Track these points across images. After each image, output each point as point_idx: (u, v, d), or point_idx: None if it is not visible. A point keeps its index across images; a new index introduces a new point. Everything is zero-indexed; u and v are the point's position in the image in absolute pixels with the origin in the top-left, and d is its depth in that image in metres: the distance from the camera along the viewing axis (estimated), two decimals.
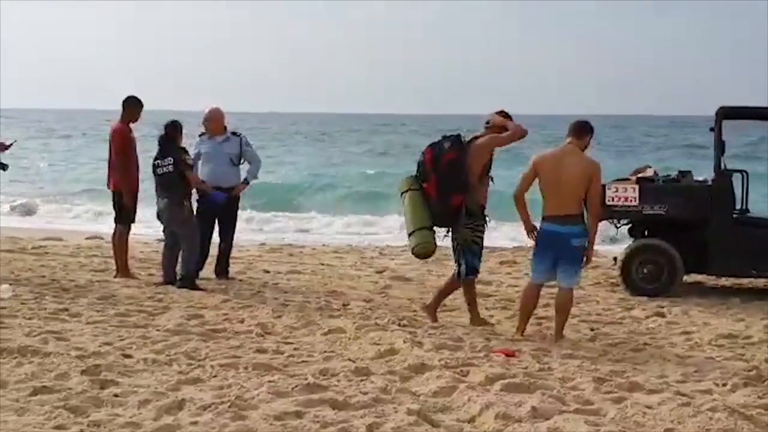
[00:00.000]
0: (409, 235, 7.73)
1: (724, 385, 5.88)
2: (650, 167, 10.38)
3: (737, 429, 4.81)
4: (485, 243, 7.93)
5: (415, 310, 8.50)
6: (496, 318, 8.37)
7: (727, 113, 9.75)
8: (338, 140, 56.91)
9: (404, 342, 6.80)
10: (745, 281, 10.51)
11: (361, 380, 5.73)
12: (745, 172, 10.44)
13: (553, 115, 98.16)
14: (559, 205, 7.13)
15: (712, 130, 9.79)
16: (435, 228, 7.68)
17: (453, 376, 5.80)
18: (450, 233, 7.82)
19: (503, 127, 7.61)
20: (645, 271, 9.79)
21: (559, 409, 5.11)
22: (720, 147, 9.73)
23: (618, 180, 10.07)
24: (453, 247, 7.90)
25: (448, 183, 7.49)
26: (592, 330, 7.84)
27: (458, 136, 7.67)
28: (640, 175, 10.07)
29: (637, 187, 9.79)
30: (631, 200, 9.74)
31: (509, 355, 6.62)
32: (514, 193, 7.33)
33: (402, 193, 7.78)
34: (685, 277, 9.97)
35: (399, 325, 7.62)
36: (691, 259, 9.72)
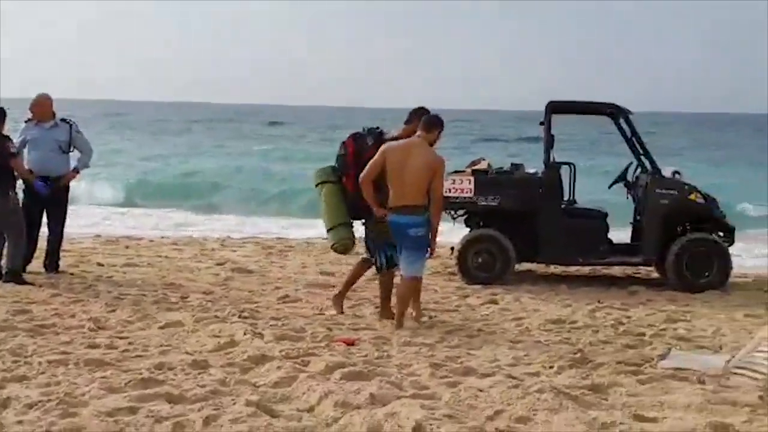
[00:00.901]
0: (329, 230, 7.80)
1: (551, 367, 6.15)
2: (484, 160, 10.68)
3: (562, 408, 5.05)
4: None
5: (256, 302, 8.47)
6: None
7: (555, 107, 10.16)
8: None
9: (244, 334, 6.79)
10: (572, 269, 11.00)
11: (199, 373, 5.69)
12: (573, 164, 10.89)
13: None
14: (401, 195, 7.28)
15: (542, 124, 10.16)
16: (352, 222, 7.82)
17: (293, 366, 5.83)
18: (365, 226, 7.87)
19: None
20: (480, 260, 10.09)
21: (396, 394, 5.22)
22: (549, 141, 10.11)
23: (455, 172, 10.32)
24: (367, 240, 7.92)
25: None
26: (430, 318, 8.02)
27: (381, 132, 7.76)
28: (475, 168, 10.37)
29: (472, 179, 10.08)
30: (466, 192, 10.02)
31: (349, 344, 6.71)
32: (361, 178, 7.41)
33: (318, 184, 7.78)
34: (517, 266, 10.34)
35: (239, 317, 7.59)
36: (522, 249, 10.09)
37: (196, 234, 15.01)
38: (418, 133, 7.40)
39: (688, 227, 10.27)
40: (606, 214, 10.48)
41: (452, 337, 7.19)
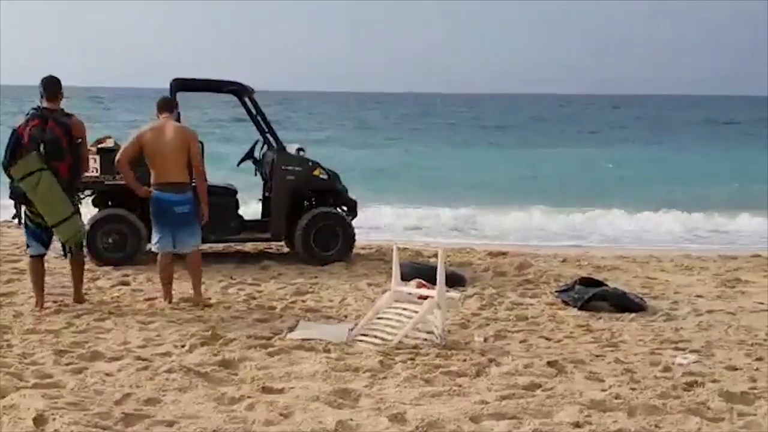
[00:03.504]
0: (62, 221, 7.23)
1: (183, 346, 6.19)
2: (110, 138, 10.35)
3: (191, 387, 5.12)
4: None
5: None
6: None
7: (180, 84, 10.03)
8: None
9: None
10: (204, 246, 10.99)
11: None
12: (202, 142, 10.85)
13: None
14: (163, 172, 7.61)
15: None
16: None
17: None
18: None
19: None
20: (110, 240, 9.83)
21: (16, 385, 4.99)
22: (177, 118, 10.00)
23: None
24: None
25: (78, 162, 7.45)
26: (55, 302, 7.69)
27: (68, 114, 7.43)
28: (100, 146, 10.02)
29: (98, 157, 9.75)
30: (92, 170, 9.68)
31: None
32: (117, 160, 7.85)
33: (31, 173, 7.08)
34: (149, 245, 10.18)
35: None
36: None
37: None
38: (164, 115, 7.84)
39: (314, 202, 10.71)
40: (236, 191, 10.63)
41: (80, 322, 6.98)
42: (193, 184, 7.85)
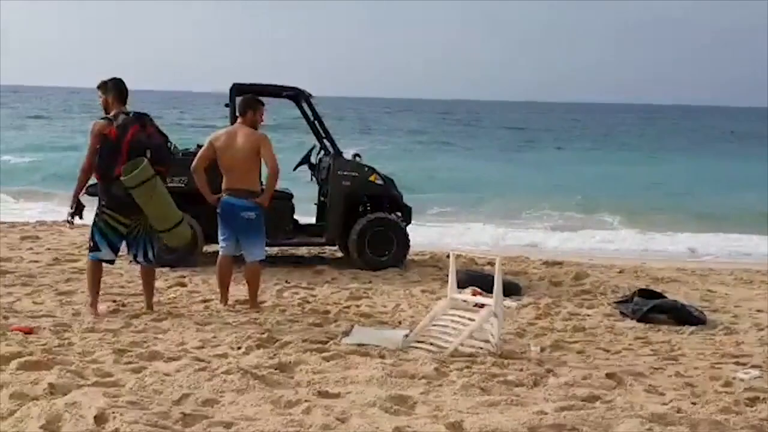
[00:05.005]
0: (174, 226, 7.21)
1: (239, 348, 6.21)
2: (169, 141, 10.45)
3: (249, 389, 5.12)
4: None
5: None
6: (16, 295, 7.96)
7: (240, 89, 10.09)
8: None
9: None
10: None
11: None
12: None
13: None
14: (234, 178, 7.65)
15: (227, 105, 10.11)
16: None
17: None
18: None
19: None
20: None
21: (77, 383, 5.03)
22: (234, 121, 10.08)
23: None
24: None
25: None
26: (115, 302, 7.78)
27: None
28: None
29: None
30: None
31: (27, 332, 6.37)
32: (193, 167, 7.85)
33: (148, 180, 6.98)
34: (206, 247, 10.28)
35: None
36: (210, 230, 10.01)
37: None
38: (239, 119, 7.83)
39: (368, 208, 10.72)
40: (292, 195, 10.68)
41: (138, 322, 7.03)
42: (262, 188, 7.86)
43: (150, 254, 7.45)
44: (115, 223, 7.25)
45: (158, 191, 7.05)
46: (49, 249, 10.87)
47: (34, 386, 4.90)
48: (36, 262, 9.89)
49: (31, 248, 10.96)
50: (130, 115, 7.16)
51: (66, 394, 4.77)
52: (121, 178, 6.97)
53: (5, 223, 13.52)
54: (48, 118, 53.53)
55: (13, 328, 6.47)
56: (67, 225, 7.78)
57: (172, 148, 7.54)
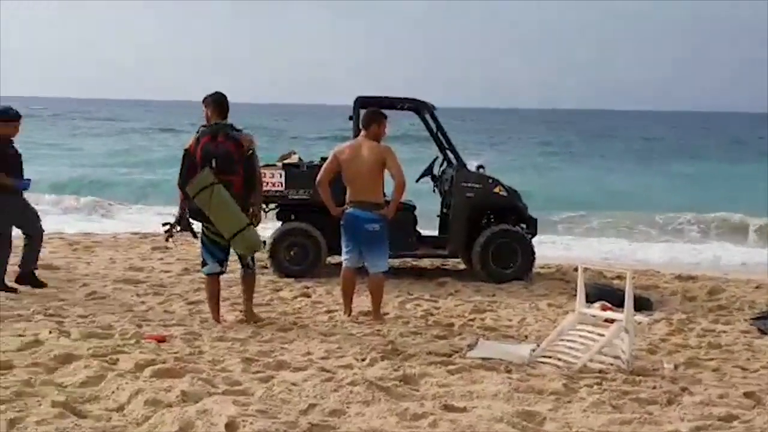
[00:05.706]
0: (238, 233, 7.21)
1: (364, 359, 6.20)
2: (295, 153, 10.64)
3: (374, 400, 5.10)
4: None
5: (63, 299, 8.11)
6: (148, 304, 8.20)
7: (364, 102, 10.16)
8: None
9: (50, 332, 6.50)
10: None
11: (2, 374, 5.37)
12: None
13: None
14: (358, 191, 7.69)
15: (351, 118, 10.19)
16: None
17: (101, 365, 5.61)
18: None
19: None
20: (292, 253, 10.08)
21: (208, 391, 5.12)
22: (358, 134, 10.15)
23: (265, 166, 10.22)
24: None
25: (251, 176, 7.34)
26: (241, 312, 7.92)
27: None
28: (286, 161, 10.31)
29: (283, 172, 10.04)
30: (277, 185, 9.99)
31: (160, 340, 6.54)
32: (318, 180, 7.88)
33: (206, 187, 7.12)
34: (329, 259, 10.37)
35: (45, 315, 7.26)
36: (333, 242, 10.10)
37: None
38: (363, 132, 7.84)
39: (492, 219, 10.62)
40: (414, 207, 10.67)
41: (265, 332, 7.13)
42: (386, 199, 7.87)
43: (247, 261, 7.51)
44: (213, 236, 7.35)
45: (217, 199, 7.10)
46: (179, 259, 11.17)
47: (167, 393, 5.01)
48: (167, 272, 10.18)
49: (161, 258, 11.30)
50: (208, 127, 7.29)
51: (197, 402, 4.86)
52: (186, 189, 7.17)
53: (138, 233, 14.00)
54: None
55: (147, 336, 6.65)
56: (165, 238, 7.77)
57: (255, 158, 7.40)
